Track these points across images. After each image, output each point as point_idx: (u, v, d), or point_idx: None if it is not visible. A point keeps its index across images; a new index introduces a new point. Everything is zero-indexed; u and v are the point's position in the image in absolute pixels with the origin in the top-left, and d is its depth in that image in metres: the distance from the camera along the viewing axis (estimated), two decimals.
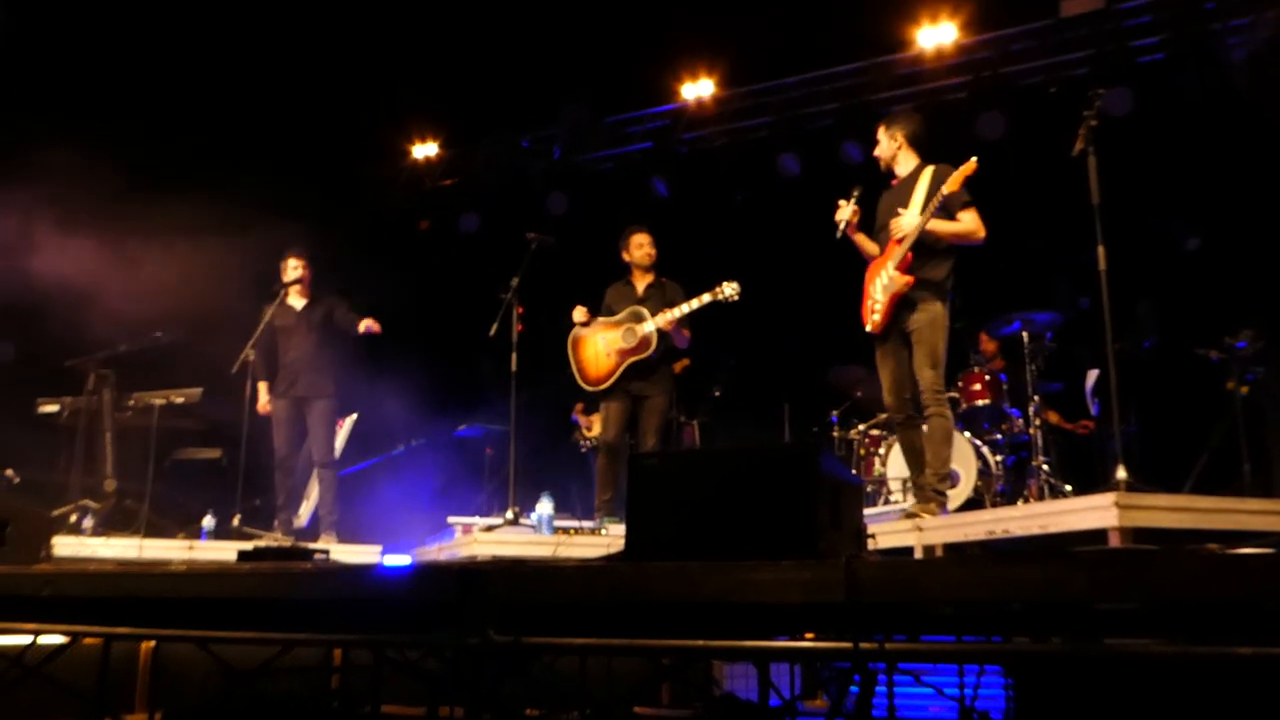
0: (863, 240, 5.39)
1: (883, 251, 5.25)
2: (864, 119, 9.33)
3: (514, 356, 6.42)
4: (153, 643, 4.33)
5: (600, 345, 6.53)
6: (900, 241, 5.09)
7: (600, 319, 6.59)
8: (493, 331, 6.43)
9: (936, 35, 8.95)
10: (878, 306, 5.17)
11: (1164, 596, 2.09)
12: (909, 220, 5.07)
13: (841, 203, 5.32)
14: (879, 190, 5.44)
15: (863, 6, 8.80)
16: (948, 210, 5.02)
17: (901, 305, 5.11)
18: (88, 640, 3.99)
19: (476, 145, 11.33)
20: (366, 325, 6.99)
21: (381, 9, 9.72)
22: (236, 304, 7.48)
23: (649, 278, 6.61)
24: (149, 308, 8.22)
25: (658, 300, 6.38)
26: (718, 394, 8.92)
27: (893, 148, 5.32)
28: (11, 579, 3.69)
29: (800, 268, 8.97)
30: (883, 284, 5.15)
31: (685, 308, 6.22)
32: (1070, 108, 5.04)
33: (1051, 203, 5.69)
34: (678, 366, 7.09)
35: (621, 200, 10.20)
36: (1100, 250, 4.67)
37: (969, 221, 5.02)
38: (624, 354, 6.41)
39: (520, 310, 6.46)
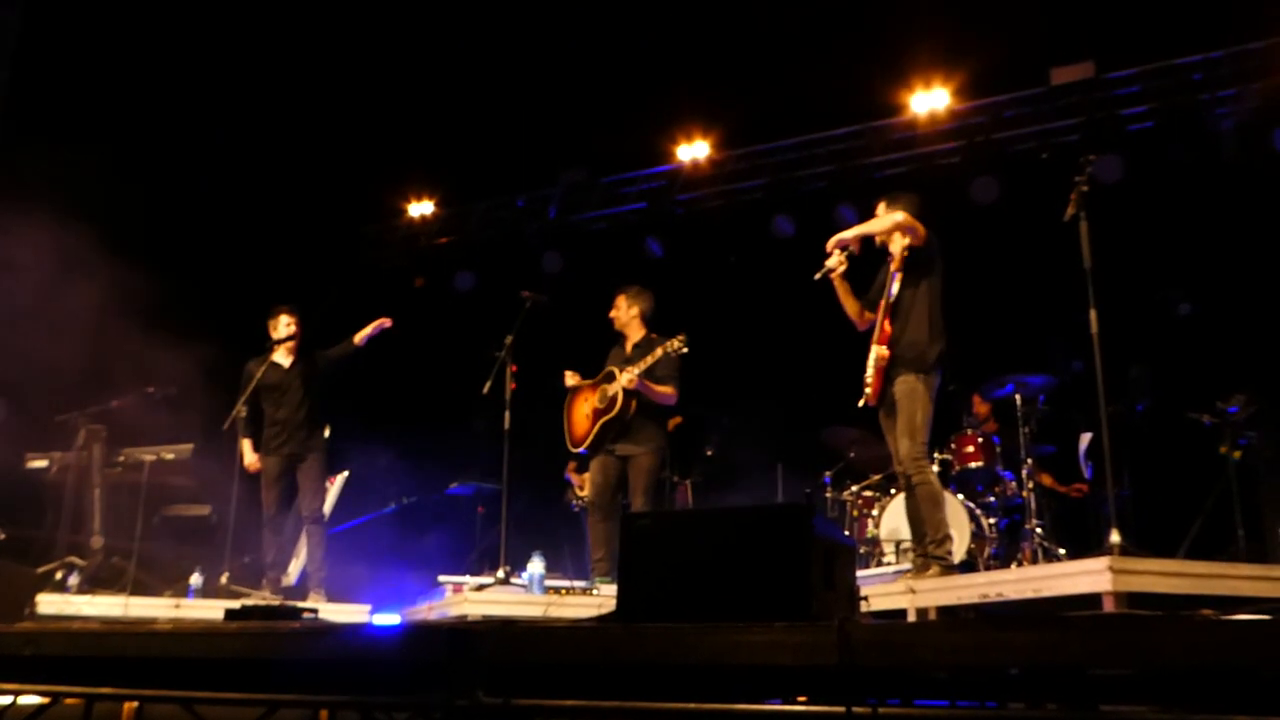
0: (843, 290, 5.43)
1: (880, 319, 5.28)
2: (858, 182, 9.46)
3: (507, 415, 6.42)
4: (136, 703, 4.25)
5: (584, 406, 6.55)
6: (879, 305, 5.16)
7: (588, 381, 6.60)
8: (486, 389, 6.43)
9: (930, 100, 9.10)
10: (869, 379, 5.26)
11: (1159, 663, 2.07)
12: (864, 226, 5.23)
13: (837, 250, 5.37)
14: (876, 258, 5.49)
15: (857, 72, 8.95)
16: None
17: (887, 378, 5.19)
18: (69, 700, 3.92)
19: (472, 204, 11.43)
20: (366, 334, 6.94)
21: (378, 69, 9.86)
22: (226, 360, 7.47)
23: (638, 336, 6.60)
24: (139, 363, 8.22)
25: (639, 359, 6.37)
26: (710, 454, 8.89)
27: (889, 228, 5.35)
28: None
29: (794, 328, 9.00)
30: (871, 358, 5.25)
31: (641, 366, 6.20)
32: (1062, 173, 5.11)
33: (1044, 266, 5.74)
34: (670, 424, 7.07)
35: (616, 260, 10.27)
36: (1092, 314, 4.71)
37: (888, 219, 5.18)
38: (596, 414, 6.41)
39: (514, 369, 6.46)
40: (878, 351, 5.16)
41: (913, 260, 5.15)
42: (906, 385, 5.10)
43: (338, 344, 7.16)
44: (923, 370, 5.11)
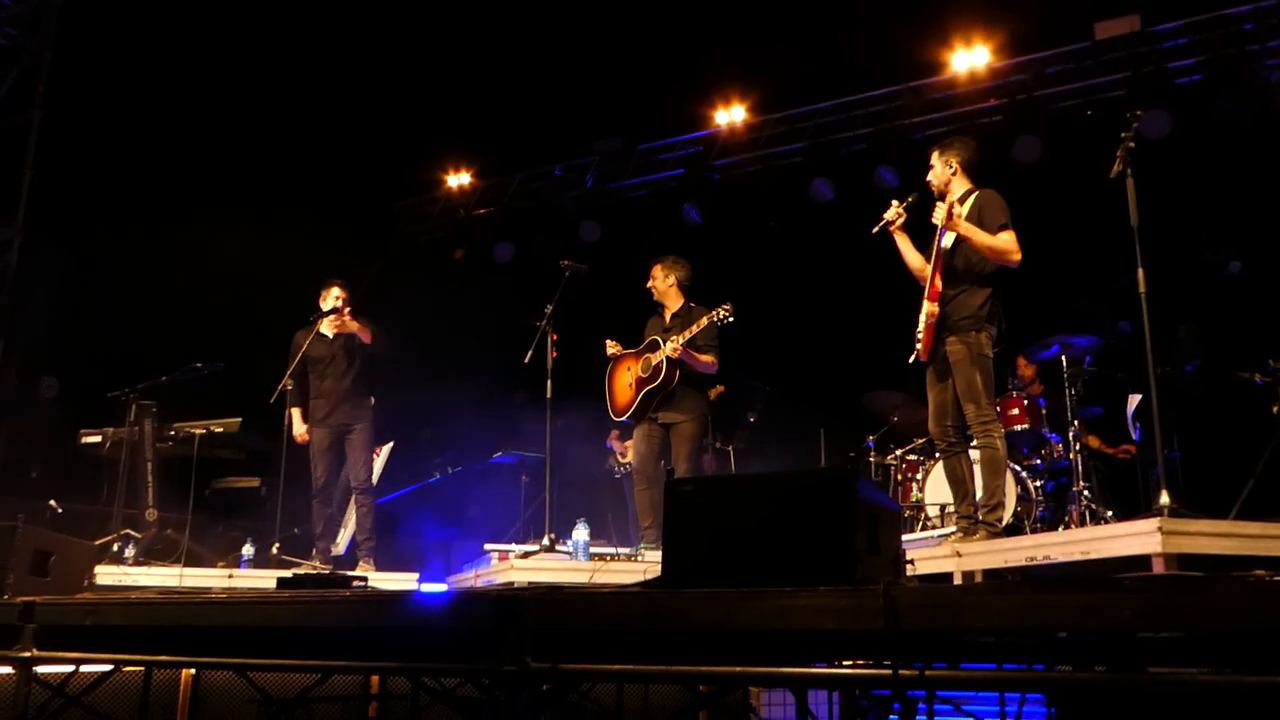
0: (904, 243, 5.35)
1: (931, 275, 5.21)
2: (898, 144, 9.35)
3: (549, 383, 6.45)
4: (193, 671, 4.36)
5: (627, 375, 6.57)
6: (940, 253, 5.08)
7: (630, 350, 6.62)
8: (528, 358, 6.46)
9: (970, 59, 8.95)
10: (920, 334, 5.16)
11: (1210, 625, 2.05)
12: (943, 217, 5.07)
13: (894, 202, 5.31)
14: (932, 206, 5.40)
15: (895, 32, 8.81)
16: (986, 228, 5.01)
17: (939, 335, 5.10)
18: (129, 669, 4.02)
19: (510, 175, 11.44)
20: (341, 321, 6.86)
21: (417, 43, 9.86)
22: (275, 333, 7.56)
23: (677, 305, 6.60)
24: (189, 338, 8.35)
25: (680, 328, 6.37)
26: (753, 420, 8.89)
27: (947, 174, 5.26)
28: (55, 608, 3.73)
29: (835, 292, 8.96)
30: (923, 314, 5.15)
31: (686, 335, 6.21)
32: (1107, 130, 5.00)
33: (1089, 226, 5.64)
34: (712, 393, 7.07)
35: (654, 227, 10.24)
36: (1140, 273, 4.63)
37: (1005, 240, 4.98)
38: (641, 383, 6.44)
39: (555, 337, 6.48)
40: (929, 308, 5.07)
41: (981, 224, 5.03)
42: (959, 348, 5.01)
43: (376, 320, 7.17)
44: (974, 328, 5.02)
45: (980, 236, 4.99)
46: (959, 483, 5.21)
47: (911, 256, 5.36)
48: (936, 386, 5.19)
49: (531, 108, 10.16)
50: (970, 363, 4.98)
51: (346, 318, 6.81)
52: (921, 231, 5.35)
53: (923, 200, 5.33)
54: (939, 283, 5.07)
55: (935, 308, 5.05)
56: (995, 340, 5.13)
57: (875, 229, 5.32)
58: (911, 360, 5.25)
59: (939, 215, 5.14)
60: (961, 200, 5.16)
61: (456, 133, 11.00)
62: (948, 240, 5.09)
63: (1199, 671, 2.08)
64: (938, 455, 7.04)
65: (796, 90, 9.79)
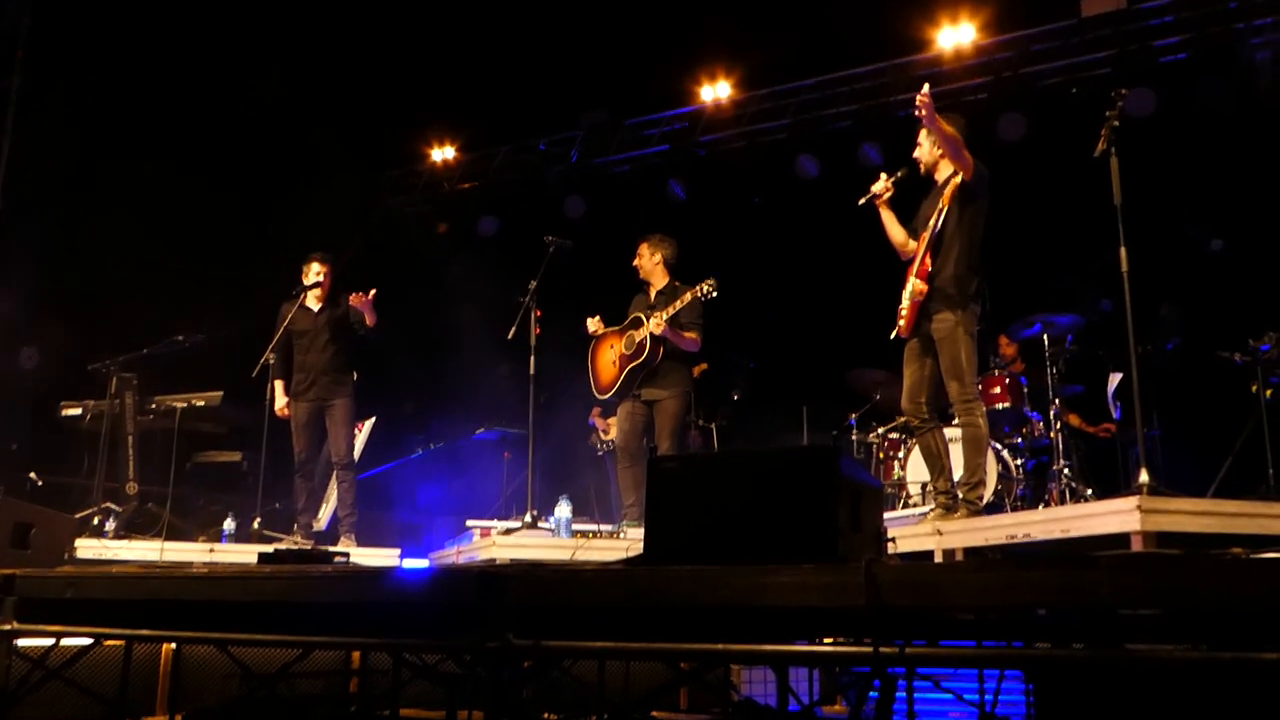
0: (888, 217, 5.34)
1: (921, 253, 5.20)
2: (882, 121, 9.32)
3: (532, 360, 6.43)
4: (173, 645, 4.35)
5: (610, 353, 6.57)
6: (928, 229, 5.09)
7: (613, 327, 6.61)
8: (511, 334, 6.44)
9: (956, 36, 8.92)
10: (903, 311, 5.17)
11: (1188, 602, 2.07)
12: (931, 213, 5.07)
13: (883, 175, 5.31)
14: (925, 187, 5.39)
15: (880, 7, 8.78)
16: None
17: (922, 312, 5.09)
18: (109, 642, 4.01)
19: (494, 148, 11.36)
20: (358, 298, 6.74)
21: (398, 13, 9.76)
22: (256, 306, 7.51)
23: (662, 283, 6.60)
24: (170, 311, 8.29)
25: (664, 305, 6.36)
26: (736, 397, 8.90)
27: (935, 154, 5.24)
28: (35, 581, 3.72)
29: (819, 270, 8.95)
30: (908, 290, 5.15)
31: (669, 311, 6.21)
32: (1092, 108, 5.00)
33: (1073, 204, 5.66)
34: (696, 370, 7.07)
35: (639, 203, 10.21)
36: (1122, 252, 4.64)
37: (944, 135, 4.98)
38: (624, 360, 6.45)
39: (538, 313, 6.46)
40: (915, 285, 5.06)
41: (962, 194, 5.04)
42: (945, 325, 5.00)
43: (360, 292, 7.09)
44: (960, 306, 5.01)
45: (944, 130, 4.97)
46: (934, 459, 5.22)
47: (895, 231, 5.34)
48: (915, 363, 5.19)
49: (516, 80, 10.08)
50: (955, 340, 4.98)
51: (359, 296, 6.74)
52: (907, 207, 5.35)
53: (911, 176, 5.32)
54: (929, 261, 5.06)
55: (924, 285, 5.04)
56: (978, 319, 5.14)
57: (862, 200, 5.32)
58: (893, 336, 5.26)
59: (877, 186, 5.20)
60: (948, 180, 5.16)
61: (441, 105, 10.90)
62: (940, 220, 5.06)
63: (1176, 648, 2.11)
64: (913, 433, 7.08)
65: (782, 67, 9.74)
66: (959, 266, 5.05)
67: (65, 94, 8.94)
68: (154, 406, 7.58)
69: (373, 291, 6.77)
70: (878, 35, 9.13)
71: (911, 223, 5.34)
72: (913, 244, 5.25)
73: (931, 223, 5.09)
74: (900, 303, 5.20)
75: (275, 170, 9.61)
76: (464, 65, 10.03)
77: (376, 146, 11.20)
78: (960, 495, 5.04)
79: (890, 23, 9.01)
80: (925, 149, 5.28)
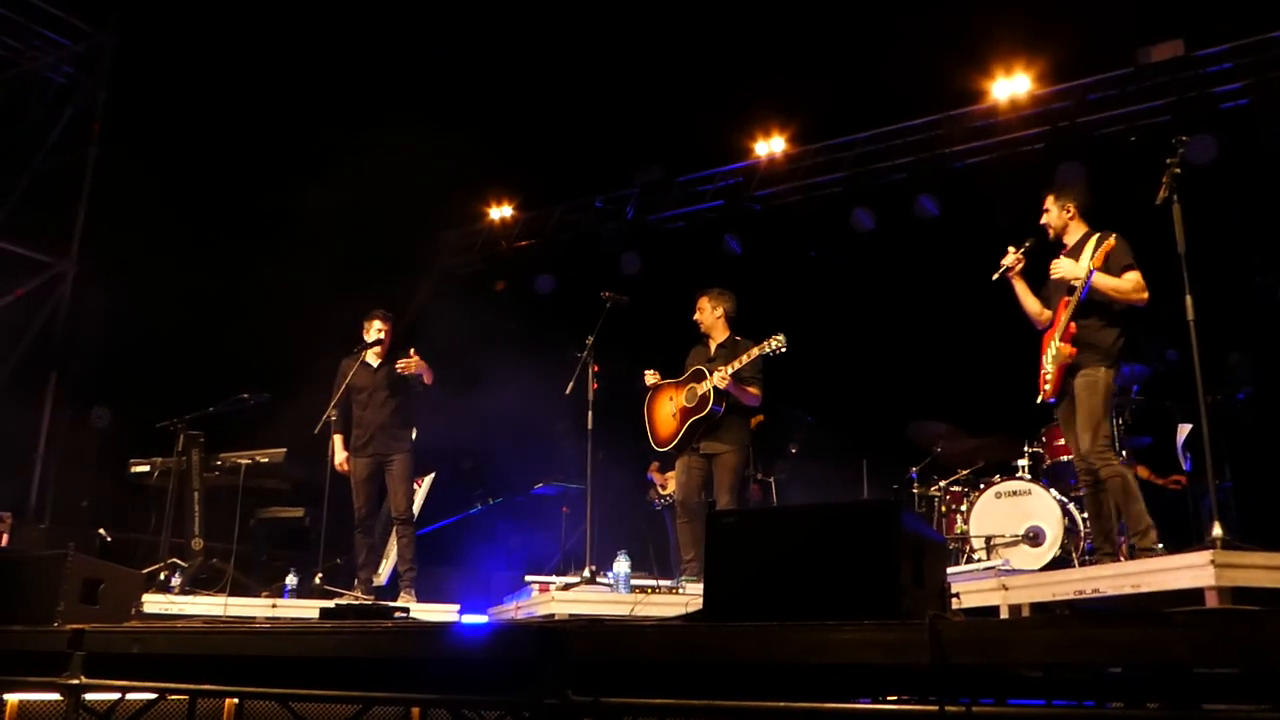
0: (1022, 288, 5.40)
1: (1053, 313, 5.25)
2: (938, 172, 9.31)
3: (590, 414, 6.45)
4: (236, 700, 4.39)
5: (669, 406, 6.57)
6: (1069, 293, 5.10)
7: (672, 380, 6.63)
8: (569, 390, 6.47)
9: (1011, 87, 8.91)
10: (1048, 375, 5.19)
11: (1266, 661, 2.00)
12: (1076, 267, 5.09)
13: (1011, 249, 5.39)
14: (1049, 250, 5.41)
15: (934, 59, 8.80)
16: (1111, 271, 5.04)
17: (1069, 372, 5.12)
18: (174, 697, 4.05)
19: (550, 207, 11.52)
20: (405, 364, 6.87)
21: (454, 77, 9.99)
22: (319, 365, 7.64)
23: (723, 336, 6.61)
24: (235, 369, 8.46)
25: (725, 359, 6.37)
26: (794, 451, 8.83)
27: (1064, 218, 5.32)
28: (103, 636, 3.77)
29: (877, 322, 8.90)
30: (1051, 354, 5.18)
31: (734, 365, 6.22)
32: (1152, 156, 4.98)
33: (1136, 253, 5.58)
34: (753, 423, 7.04)
35: (694, 258, 10.26)
36: (1188, 300, 4.57)
37: (1129, 281, 5.00)
38: (686, 413, 6.44)
39: (596, 368, 6.50)
40: (1060, 349, 5.08)
41: (1108, 266, 5.05)
42: (1088, 378, 5.03)
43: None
44: (1107, 364, 5.04)
45: (1108, 283, 5.01)
46: (1099, 518, 5.21)
47: (1029, 302, 5.40)
48: (1072, 424, 5.18)
49: (572, 139, 10.23)
50: (1095, 393, 4.99)
51: (414, 359, 6.87)
52: (1037, 274, 5.40)
53: (1039, 244, 5.37)
54: (1074, 326, 5.07)
55: (1070, 348, 5.05)
56: (1118, 378, 5.15)
57: (995, 276, 5.40)
58: (1038, 401, 5.28)
59: (1063, 270, 5.16)
60: (1081, 244, 5.19)
61: (498, 165, 11.10)
62: (1087, 288, 5.07)
63: (1255, 709, 2.03)
64: (982, 486, 6.96)
65: (836, 120, 9.79)
66: (1106, 325, 5.08)
67: (138, 163, 9.26)
68: (219, 463, 7.72)
69: (412, 351, 6.89)
70: (931, 88, 9.15)
71: (1043, 289, 5.37)
72: (1047, 313, 5.30)
73: (1079, 290, 5.08)
74: (1042, 367, 5.22)
75: (337, 231, 9.82)
76: (521, 125, 10.21)
77: (437, 206, 11.42)
78: (1135, 545, 4.94)
79: (944, 75, 9.03)
80: (1054, 214, 5.34)
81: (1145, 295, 4.99)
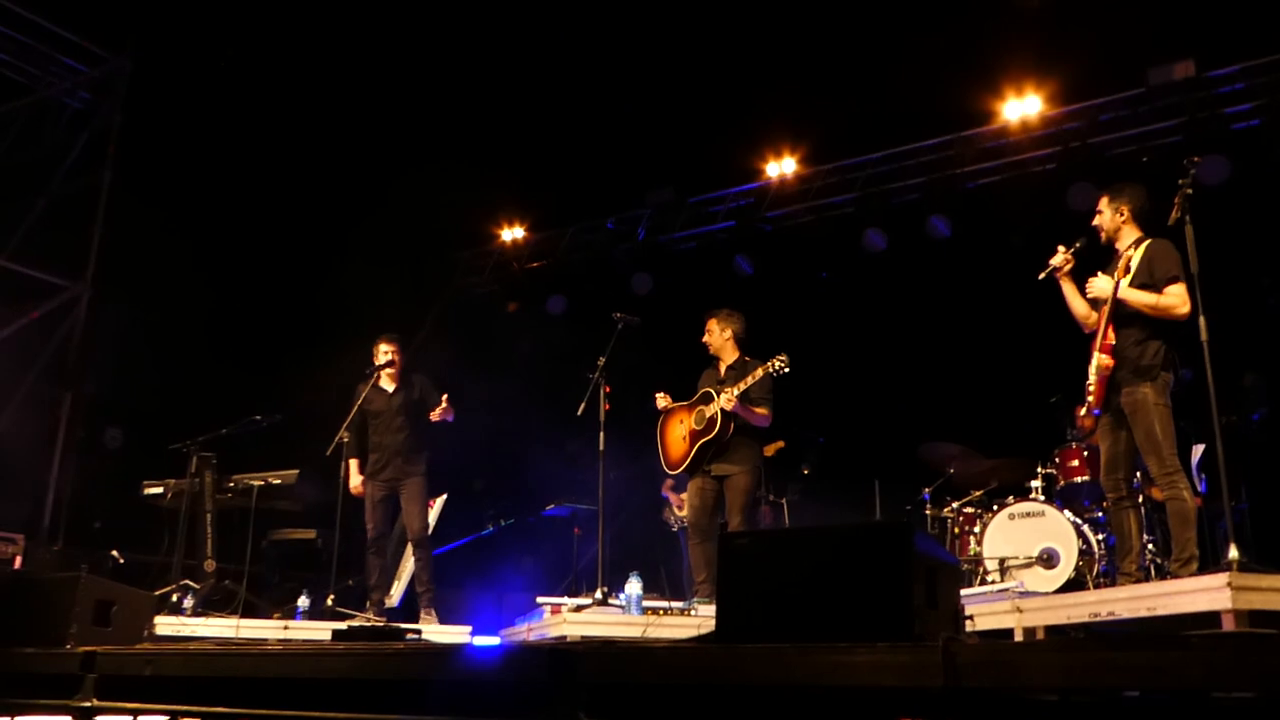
0: (1070, 290, 5.25)
1: (1104, 328, 5.09)
2: (950, 193, 9.32)
3: (601, 435, 6.45)
4: None
5: (680, 428, 6.58)
6: (1102, 310, 5.00)
7: (682, 402, 6.63)
8: (581, 410, 6.48)
9: (1022, 107, 8.93)
10: (1091, 386, 5.06)
11: None
12: (1108, 286, 4.98)
13: (1060, 248, 5.25)
14: (1105, 254, 5.28)
15: (946, 80, 8.82)
16: (1154, 283, 4.89)
17: (1110, 386, 4.99)
18: (185, 719, 4.05)
19: (562, 228, 11.56)
20: (439, 413, 7.03)
21: (468, 98, 10.05)
22: (333, 385, 7.67)
23: (732, 358, 6.61)
24: (248, 391, 8.49)
25: (734, 381, 6.37)
26: (806, 472, 8.81)
27: (1117, 220, 5.14)
28: (115, 658, 3.78)
29: (889, 343, 8.89)
30: (1093, 365, 5.03)
31: (740, 387, 6.22)
32: (1163, 177, 4.94)
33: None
34: (769, 449, 7.03)
35: (706, 279, 10.28)
36: (1201, 320, 4.55)
37: (1170, 295, 4.84)
38: (695, 436, 6.45)
39: (608, 389, 6.50)
40: (1100, 360, 4.96)
41: (1151, 278, 4.92)
42: (1132, 399, 4.89)
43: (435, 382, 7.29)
44: (1149, 377, 4.88)
45: (1140, 298, 4.89)
46: (1124, 537, 5.10)
47: (1077, 304, 5.25)
48: (1110, 438, 5.09)
49: (584, 161, 10.28)
50: (1147, 413, 4.85)
51: (445, 406, 6.97)
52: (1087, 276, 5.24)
53: (1090, 245, 5.22)
54: (1111, 335, 4.96)
55: (1108, 360, 4.94)
56: (1173, 386, 4.97)
57: (1042, 275, 5.26)
58: (1083, 412, 5.18)
59: (1096, 291, 5.04)
60: (1133, 248, 5.06)
61: (510, 187, 11.15)
62: (1106, 295, 4.99)
63: None
64: (995, 508, 6.92)
65: (847, 141, 9.82)
66: (1144, 337, 4.94)
67: (153, 186, 9.33)
68: (232, 485, 7.72)
69: (445, 398, 7.00)
70: (943, 108, 9.18)
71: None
72: (1094, 316, 5.14)
73: (1112, 297, 4.97)
74: (1087, 378, 5.09)
75: (349, 253, 9.88)
76: (533, 146, 10.26)
77: (449, 228, 11.48)
78: (1172, 571, 4.82)
79: (955, 96, 9.05)
80: (1107, 216, 5.17)
81: (1186, 310, 4.78)
